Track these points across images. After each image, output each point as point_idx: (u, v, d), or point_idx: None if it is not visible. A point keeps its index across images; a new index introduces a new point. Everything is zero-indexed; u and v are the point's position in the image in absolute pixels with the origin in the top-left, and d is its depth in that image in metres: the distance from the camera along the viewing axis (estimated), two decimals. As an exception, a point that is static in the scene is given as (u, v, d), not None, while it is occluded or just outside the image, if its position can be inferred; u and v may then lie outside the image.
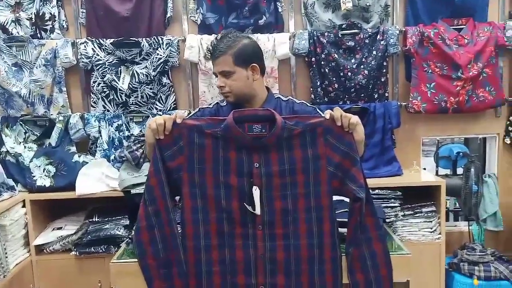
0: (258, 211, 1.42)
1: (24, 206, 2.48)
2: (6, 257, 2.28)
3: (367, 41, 2.72)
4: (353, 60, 2.73)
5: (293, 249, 1.45)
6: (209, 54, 1.73)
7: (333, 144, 1.44)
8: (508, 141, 2.85)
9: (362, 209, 1.42)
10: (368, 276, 1.46)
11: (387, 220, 2.48)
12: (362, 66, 2.72)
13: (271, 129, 1.43)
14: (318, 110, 1.80)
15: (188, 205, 1.46)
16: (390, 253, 1.50)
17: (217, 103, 1.86)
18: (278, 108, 1.79)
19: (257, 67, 1.75)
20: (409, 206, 2.58)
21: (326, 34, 2.73)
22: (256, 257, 1.45)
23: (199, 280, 1.47)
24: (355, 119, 1.43)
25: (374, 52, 2.72)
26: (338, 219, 1.49)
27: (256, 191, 1.42)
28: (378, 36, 2.72)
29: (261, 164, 1.43)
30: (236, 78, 1.70)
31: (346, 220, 1.47)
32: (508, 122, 2.86)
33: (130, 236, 1.85)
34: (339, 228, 1.49)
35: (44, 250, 2.51)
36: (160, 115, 2.69)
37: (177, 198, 1.63)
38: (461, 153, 2.84)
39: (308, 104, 1.84)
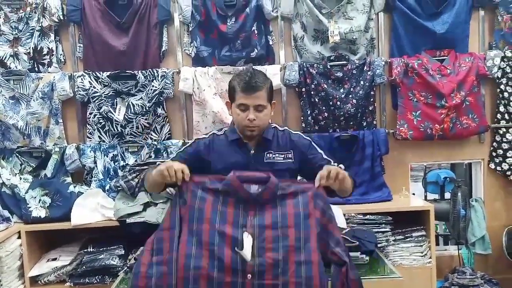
0: (248, 256, 1.47)
1: (19, 237, 2.50)
2: (1, 289, 2.29)
3: (354, 71, 2.84)
4: (341, 90, 2.83)
5: None
6: (246, 87, 1.74)
7: (322, 208, 1.58)
8: (492, 166, 2.95)
9: (348, 273, 1.50)
10: None
11: (379, 245, 2.53)
12: (350, 96, 2.83)
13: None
14: (313, 144, 1.89)
15: (183, 251, 1.52)
16: (383, 277, 1.57)
17: (213, 133, 1.91)
18: (275, 137, 1.87)
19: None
20: (400, 231, 2.64)
21: (315, 65, 2.84)
22: None
23: None
24: (341, 169, 1.61)
25: (362, 82, 2.83)
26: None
27: (247, 238, 1.49)
28: (365, 67, 2.84)
29: (256, 217, 1.54)
30: (266, 113, 1.79)
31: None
32: (492, 148, 2.97)
33: (128, 265, 1.88)
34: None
35: (39, 282, 2.51)
36: (155, 145, 2.78)
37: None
38: (448, 178, 2.93)
39: (304, 136, 1.91)
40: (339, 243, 1.56)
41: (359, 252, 1.69)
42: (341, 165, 1.76)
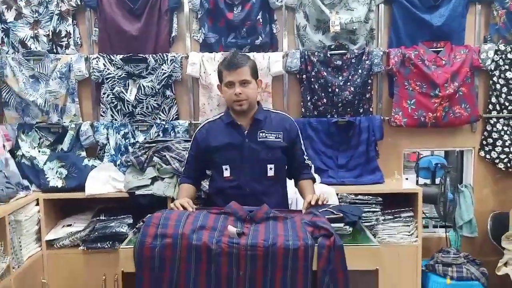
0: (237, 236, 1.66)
1: (37, 204, 2.70)
2: (21, 249, 2.51)
3: (353, 60, 2.98)
4: (340, 78, 2.99)
5: None
6: (229, 65, 1.98)
7: (307, 228, 1.75)
8: (482, 154, 3.10)
9: (333, 245, 1.64)
10: None
11: (368, 224, 2.70)
12: (348, 83, 2.98)
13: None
14: (299, 132, 2.16)
15: (183, 269, 1.64)
16: (361, 244, 1.74)
17: (208, 121, 2.16)
18: (268, 118, 2.07)
19: (261, 81, 2.08)
20: (389, 211, 2.80)
21: (316, 53, 2.99)
22: None
23: None
24: (323, 197, 1.93)
25: (360, 71, 2.98)
26: (327, 216, 1.78)
27: (231, 228, 1.67)
28: (364, 57, 2.98)
29: (251, 229, 1.72)
30: (252, 87, 2.01)
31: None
32: (483, 137, 3.10)
33: (137, 227, 2.06)
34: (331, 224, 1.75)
35: (54, 245, 2.72)
36: (163, 124, 2.96)
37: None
38: (439, 165, 3.07)
39: (295, 124, 2.16)
40: (324, 222, 1.74)
41: (343, 224, 1.84)
42: (316, 176, 2.14)
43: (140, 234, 1.71)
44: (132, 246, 1.71)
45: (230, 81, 1.98)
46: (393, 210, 2.81)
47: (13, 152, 2.91)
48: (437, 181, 3.12)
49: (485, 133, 3.09)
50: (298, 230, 1.73)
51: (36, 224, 2.69)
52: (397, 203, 2.84)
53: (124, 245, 1.84)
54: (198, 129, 2.18)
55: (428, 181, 3.16)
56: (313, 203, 1.91)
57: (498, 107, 3.05)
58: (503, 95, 3.02)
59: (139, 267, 1.66)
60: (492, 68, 3.01)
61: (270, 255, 1.61)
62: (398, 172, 3.06)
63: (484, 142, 3.10)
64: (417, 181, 3.15)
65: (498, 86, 3.03)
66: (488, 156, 3.08)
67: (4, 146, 2.83)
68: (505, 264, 2.76)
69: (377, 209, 2.76)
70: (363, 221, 2.53)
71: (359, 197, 2.75)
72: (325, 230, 1.69)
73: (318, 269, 1.64)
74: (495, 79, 3.03)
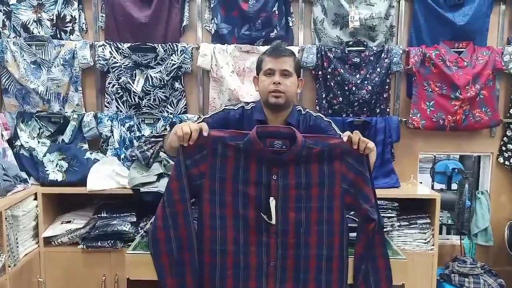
0: (273, 221, 1.51)
1: (35, 198, 2.56)
2: (17, 246, 2.36)
3: (372, 58, 2.86)
4: (357, 76, 2.86)
5: (303, 258, 1.55)
6: (273, 51, 1.81)
7: (349, 163, 1.54)
8: (501, 160, 2.98)
9: (374, 230, 1.53)
10: None
11: (384, 230, 2.59)
12: (366, 82, 2.85)
13: (291, 145, 1.53)
14: (333, 125, 1.89)
15: (207, 211, 1.54)
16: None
17: (243, 106, 1.91)
18: (298, 122, 1.88)
19: (302, 81, 1.90)
20: (405, 217, 2.69)
21: (333, 49, 2.86)
22: (268, 264, 1.54)
23: (212, 281, 1.55)
24: (371, 145, 1.54)
25: (378, 69, 2.85)
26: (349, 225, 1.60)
27: (272, 202, 1.51)
28: (383, 54, 2.85)
29: (279, 177, 1.52)
30: (293, 81, 1.81)
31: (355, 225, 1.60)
32: (502, 142, 2.99)
33: (145, 230, 1.94)
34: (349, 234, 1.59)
35: (52, 242, 2.59)
36: (171, 118, 2.82)
37: (192, 200, 1.73)
38: (456, 170, 2.96)
39: (324, 118, 1.92)
40: (368, 199, 1.52)
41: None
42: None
43: (153, 219, 1.58)
44: (140, 252, 1.59)
45: (271, 69, 1.79)
46: (409, 216, 2.69)
47: (11, 142, 2.76)
48: (453, 186, 3.00)
49: (505, 138, 2.98)
50: (335, 199, 1.54)
51: (34, 219, 2.55)
52: (411, 208, 2.73)
53: (131, 249, 1.71)
54: (229, 108, 1.90)
55: (443, 186, 3.04)
56: (355, 141, 1.52)
57: (519, 112, 2.94)
58: (526, 100, 2.91)
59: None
60: (516, 71, 2.90)
61: (303, 245, 1.54)
62: (414, 176, 2.95)
63: (504, 148, 2.98)
64: (432, 186, 3.03)
65: (520, 90, 2.92)
66: (507, 163, 2.97)
67: (2, 135, 2.68)
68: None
69: (393, 215, 2.64)
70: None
71: (375, 201, 2.62)
72: (365, 214, 1.53)
73: (356, 255, 1.55)
74: (517, 82, 2.92)
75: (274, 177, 1.52)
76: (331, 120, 1.93)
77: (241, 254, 1.54)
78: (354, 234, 1.61)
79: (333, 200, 1.54)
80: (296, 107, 1.92)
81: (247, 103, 1.92)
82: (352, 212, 1.76)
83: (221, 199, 1.54)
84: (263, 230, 1.53)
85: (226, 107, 1.92)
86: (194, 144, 1.52)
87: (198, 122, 1.70)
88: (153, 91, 2.81)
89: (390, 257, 1.64)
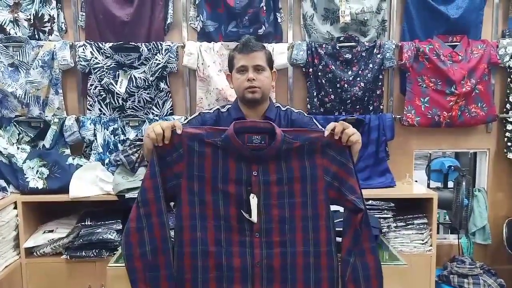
0: (254, 218, 1.43)
1: (15, 207, 2.44)
2: (-4, 259, 2.25)
3: (364, 54, 2.77)
4: (349, 72, 2.77)
5: (290, 257, 1.46)
6: (243, 48, 1.77)
7: (331, 155, 1.47)
8: (510, 156, 2.87)
9: (362, 220, 1.44)
10: (359, 286, 1.47)
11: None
12: (358, 79, 2.76)
13: (270, 140, 1.46)
14: (314, 120, 1.87)
15: (186, 212, 1.46)
16: (388, 263, 1.52)
17: (218, 109, 1.89)
18: (277, 116, 1.84)
19: (275, 73, 1.88)
20: (402, 217, 2.60)
21: (324, 45, 2.76)
22: (253, 265, 1.46)
23: (194, 285, 1.46)
24: (354, 137, 1.45)
25: (371, 65, 2.77)
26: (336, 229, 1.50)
27: (253, 199, 1.44)
28: (375, 50, 2.77)
29: (259, 173, 1.45)
30: (266, 76, 1.80)
31: (341, 229, 1.49)
32: (506, 138, 2.90)
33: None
34: (336, 238, 1.50)
35: (34, 253, 2.47)
36: (157, 120, 2.71)
37: (172, 204, 1.63)
38: (452, 167, 2.88)
39: (305, 114, 1.90)
40: (354, 190, 1.45)
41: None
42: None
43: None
44: (122, 264, 1.48)
45: (243, 66, 1.77)
46: (405, 217, 2.61)
47: (-12, 148, 2.63)
48: (450, 184, 2.93)
49: (508, 134, 2.89)
50: (319, 193, 1.47)
51: (14, 229, 2.43)
52: (407, 208, 2.64)
53: (113, 262, 1.60)
54: (205, 111, 1.88)
55: (439, 184, 2.96)
56: (337, 131, 1.45)
57: (516, 107, 2.87)
58: (522, 94, 2.84)
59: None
60: (511, 65, 2.82)
61: (288, 243, 1.47)
62: (410, 174, 2.87)
63: (509, 144, 2.89)
64: (428, 184, 2.95)
65: (516, 84, 2.85)
66: (512, 158, 2.89)
67: (-22, 142, 2.55)
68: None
69: (389, 216, 2.56)
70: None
71: (370, 202, 2.54)
72: (352, 205, 1.45)
73: (343, 249, 1.46)
74: (513, 76, 2.85)
75: (255, 173, 1.45)
76: (312, 117, 1.91)
77: (223, 255, 1.46)
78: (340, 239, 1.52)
79: (317, 194, 1.47)
80: (275, 103, 1.90)
81: (223, 106, 1.90)
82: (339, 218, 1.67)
83: (201, 199, 1.46)
84: (246, 230, 1.46)
85: (202, 112, 1.90)
86: (170, 142, 1.45)
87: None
88: (137, 92, 2.69)
89: (389, 264, 1.56)
